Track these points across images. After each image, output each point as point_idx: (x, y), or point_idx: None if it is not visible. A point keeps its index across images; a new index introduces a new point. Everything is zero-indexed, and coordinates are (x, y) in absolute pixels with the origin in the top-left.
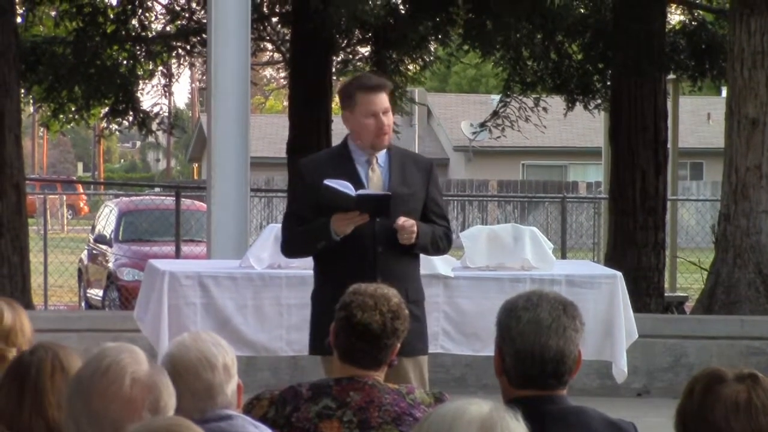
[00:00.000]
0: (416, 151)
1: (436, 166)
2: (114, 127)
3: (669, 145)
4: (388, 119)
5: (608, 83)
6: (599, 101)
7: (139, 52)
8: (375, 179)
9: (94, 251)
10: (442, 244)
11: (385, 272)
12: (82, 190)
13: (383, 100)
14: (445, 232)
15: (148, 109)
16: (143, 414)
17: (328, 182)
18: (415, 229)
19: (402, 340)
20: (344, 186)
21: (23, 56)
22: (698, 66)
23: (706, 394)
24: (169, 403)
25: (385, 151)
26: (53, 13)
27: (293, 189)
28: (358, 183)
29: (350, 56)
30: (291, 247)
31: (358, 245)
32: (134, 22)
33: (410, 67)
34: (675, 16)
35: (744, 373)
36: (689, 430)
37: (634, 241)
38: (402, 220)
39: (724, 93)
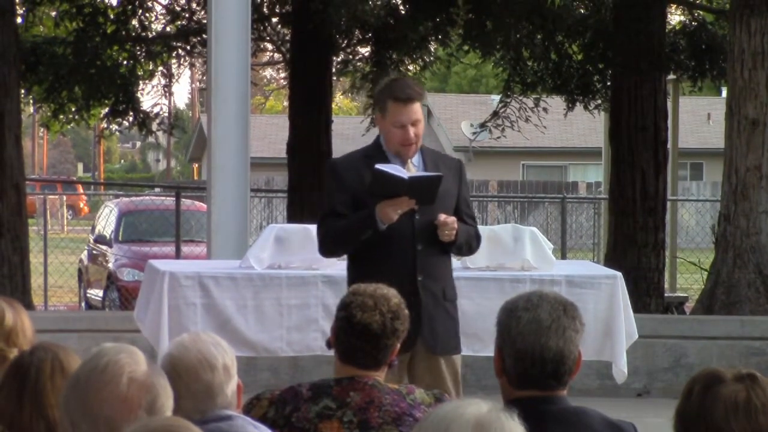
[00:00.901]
0: None
1: (465, 165)
2: (114, 127)
3: (669, 145)
4: (417, 129)
5: (608, 83)
6: (599, 101)
7: (139, 53)
8: None
9: (94, 251)
10: (474, 244)
11: (425, 271)
12: (82, 191)
13: (413, 111)
14: (476, 232)
15: (148, 110)
16: (139, 414)
17: (379, 166)
18: (456, 225)
19: (402, 340)
20: (397, 170)
21: (23, 56)
22: (698, 66)
23: (705, 395)
24: (167, 404)
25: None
26: (53, 14)
27: (328, 190)
28: None
29: (350, 56)
30: (332, 240)
31: (397, 244)
32: (134, 22)
33: (410, 67)
34: (675, 16)
35: (743, 373)
36: (688, 431)
37: (634, 241)
38: (443, 217)
39: (724, 93)
